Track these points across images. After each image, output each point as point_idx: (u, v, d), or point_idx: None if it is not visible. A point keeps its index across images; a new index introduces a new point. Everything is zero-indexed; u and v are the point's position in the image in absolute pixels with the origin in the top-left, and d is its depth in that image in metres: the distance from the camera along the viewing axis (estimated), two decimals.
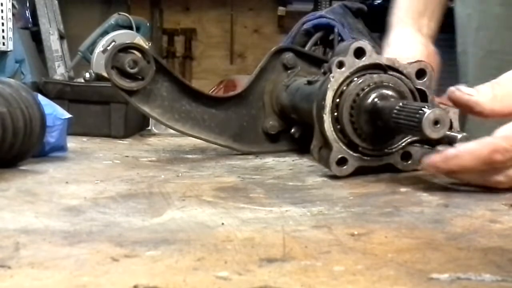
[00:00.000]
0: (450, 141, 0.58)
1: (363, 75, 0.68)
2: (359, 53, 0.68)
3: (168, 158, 0.89)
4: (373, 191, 0.61)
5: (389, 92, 0.67)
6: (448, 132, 0.57)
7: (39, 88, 1.29)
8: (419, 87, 0.69)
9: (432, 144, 0.62)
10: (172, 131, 0.91)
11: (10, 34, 1.96)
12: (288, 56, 0.94)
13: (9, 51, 1.98)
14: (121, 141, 1.14)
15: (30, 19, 2.37)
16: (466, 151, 0.55)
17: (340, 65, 0.68)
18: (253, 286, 0.33)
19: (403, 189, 0.61)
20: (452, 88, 0.59)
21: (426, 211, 0.51)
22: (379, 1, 3.45)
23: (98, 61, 1.55)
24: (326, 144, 0.69)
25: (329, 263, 0.37)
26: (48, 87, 1.25)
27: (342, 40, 1.14)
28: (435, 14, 0.96)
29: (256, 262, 0.37)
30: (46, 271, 0.35)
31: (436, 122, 0.57)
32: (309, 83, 0.82)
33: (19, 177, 0.68)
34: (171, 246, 0.40)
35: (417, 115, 0.58)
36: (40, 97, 0.80)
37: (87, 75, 1.31)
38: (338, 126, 0.68)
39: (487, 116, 0.56)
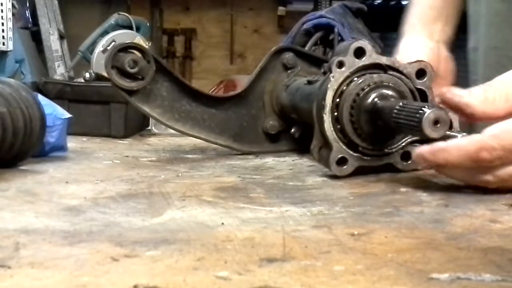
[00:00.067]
0: None
1: (363, 75, 0.68)
2: (359, 53, 0.68)
3: (168, 158, 0.89)
4: (373, 191, 0.61)
5: (389, 92, 0.67)
6: (448, 132, 0.57)
7: (39, 88, 1.29)
8: (419, 87, 0.69)
9: None
10: (172, 131, 0.91)
11: (10, 34, 1.96)
12: (288, 56, 0.94)
13: (9, 51, 1.98)
14: (121, 141, 1.14)
15: (30, 19, 2.37)
16: (454, 146, 0.55)
17: (340, 65, 0.68)
18: (253, 286, 0.33)
19: (403, 189, 0.61)
20: (443, 90, 0.59)
21: (426, 211, 0.51)
22: (379, 1, 3.46)
23: (98, 61, 1.55)
24: (326, 144, 0.69)
25: (329, 263, 0.37)
26: (48, 87, 1.25)
27: (342, 40, 1.14)
28: (451, 18, 0.95)
29: (256, 262, 0.37)
30: (46, 271, 0.35)
31: (436, 122, 0.57)
32: (309, 83, 0.82)
33: (19, 177, 0.68)
34: (171, 246, 0.40)
35: (417, 115, 0.58)
36: (40, 97, 0.80)
37: (87, 75, 1.31)
38: (338, 126, 0.68)
39: (479, 118, 0.56)
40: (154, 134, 1.27)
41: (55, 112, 0.85)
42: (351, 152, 0.68)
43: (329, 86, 0.68)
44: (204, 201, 0.56)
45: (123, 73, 0.82)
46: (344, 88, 0.68)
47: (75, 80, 1.42)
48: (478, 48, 0.95)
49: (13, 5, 2.01)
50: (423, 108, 0.58)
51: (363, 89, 0.67)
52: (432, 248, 0.40)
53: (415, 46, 0.87)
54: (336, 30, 1.16)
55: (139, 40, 1.60)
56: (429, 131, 0.57)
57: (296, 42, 1.19)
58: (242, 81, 1.56)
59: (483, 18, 0.93)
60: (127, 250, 0.39)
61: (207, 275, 0.34)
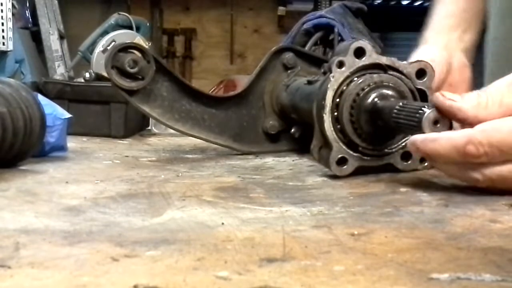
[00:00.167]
0: None
1: (363, 75, 0.68)
2: (359, 53, 0.68)
3: (168, 158, 0.89)
4: (373, 191, 0.61)
5: (389, 92, 0.67)
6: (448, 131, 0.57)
7: (39, 88, 1.29)
8: (419, 87, 0.69)
9: None
10: (172, 131, 0.91)
11: (10, 34, 1.96)
12: (288, 56, 0.94)
13: (9, 51, 1.98)
14: (121, 141, 1.14)
15: (30, 19, 2.37)
16: (445, 138, 0.55)
17: (340, 64, 0.68)
18: (253, 286, 0.33)
19: (403, 189, 0.61)
20: (436, 93, 0.59)
21: (426, 211, 0.51)
22: (379, 1, 3.46)
23: (98, 61, 1.55)
24: (326, 144, 0.69)
25: (329, 263, 0.37)
26: (48, 87, 1.25)
27: (342, 40, 1.14)
28: (473, 24, 0.93)
29: (256, 262, 0.37)
30: (46, 271, 0.35)
31: (436, 122, 0.57)
32: (309, 83, 0.82)
33: (19, 177, 0.68)
34: (171, 246, 0.40)
35: (417, 115, 0.58)
36: (40, 97, 0.80)
37: (87, 75, 1.31)
38: (338, 126, 0.68)
39: (471, 123, 0.55)
40: (154, 134, 1.27)
41: (55, 112, 0.85)
42: (351, 152, 0.68)
43: (329, 86, 0.68)
44: (204, 201, 0.56)
45: (123, 73, 0.82)
46: (344, 88, 0.68)
47: (75, 80, 1.42)
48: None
49: (13, 5, 2.01)
50: (423, 108, 0.58)
51: (363, 89, 0.67)
52: (432, 248, 0.40)
53: (424, 57, 0.85)
54: (336, 30, 1.16)
55: (139, 40, 1.60)
56: (429, 131, 0.57)
57: (296, 42, 1.19)
58: (242, 81, 1.56)
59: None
60: (127, 250, 0.39)
61: (207, 275, 0.34)
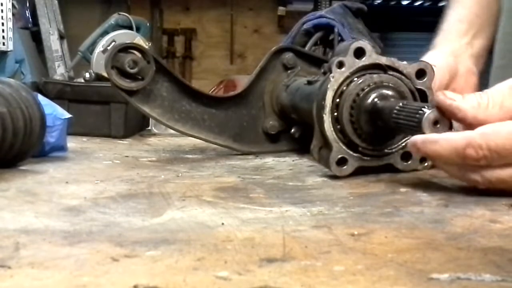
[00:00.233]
0: None
1: (363, 75, 0.68)
2: (359, 53, 0.68)
3: (168, 158, 0.89)
4: (373, 191, 0.61)
5: (389, 92, 0.67)
6: (448, 132, 0.57)
7: (39, 88, 1.29)
8: (419, 87, 0.69)
9: None
10: (172, 131, 0.91)
11: (10, 34, 1.96)
12: (288, 56, 0.94)
13: (9, 51, 1.98)
14: (121, 141, 1.14)
15: (30, 19, 2.37)
16: (445, 139, 0.55)
17: (340, 65, 0.68)
18: (253, 286, 0.33)
19: (403, 189, 0.61)
20: (438, 92, 0.59)
21: (426, 211, 0.51)
22: (379, 1, 3.46)
23: (98, 61, 1.55)
24: (326, 144, 0.69)
25: (329, 263, 0.37)
26: (48, 87, 1.25)
27: (342, 40, 1.14)
28: (485, 29, 0.92)
29: (256, 262, 0.37)
30: (46, 271, 0.35)
31: (436, 122, 0.57)
32: (309, 83, 0.82)
33: (19, 177, 0.68)
34: (171, 246, 0.40)
35: (417, 115, 0.58)
36: (40, 97, 0.80)
37: (87, 75, 1.31)
38: (338, 126, 0.68)
39: (470, 123, 0.56)
40: (154, 134, 1.27)
41: (55, 112, 0.85)
42: (351, 153, 0.68)
43: (329, 86, 0.68)
44: (204, 201, 0.56)
45: (123, 74, 0.82)
46: (344, 88, 0.68)
47: (75, 80, 1.42)
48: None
49: (13, 5, 2.01)
50: (423, 109, 0.58)
51: (363, 89, 0.67)
52: (432, 248, 0.40)
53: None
54: (336, 30, 1.16)
55: (139, 40, 1.60)
56: (429, 132, 0.57)
57: (296, 42, 1.19)
58: (242, 81, 1.56)
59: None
60: (127, 250, 0.39)
61: (207, 275, 0.34)
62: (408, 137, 0.68)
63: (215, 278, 0.34)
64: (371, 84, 0.67)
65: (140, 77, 0.83)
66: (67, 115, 0.86)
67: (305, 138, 0.84)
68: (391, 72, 0.68)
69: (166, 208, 0.52)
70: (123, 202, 0.55)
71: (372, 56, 0.68)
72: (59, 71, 2.10)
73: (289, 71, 0.93)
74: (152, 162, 0.85)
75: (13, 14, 2.00)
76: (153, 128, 1.30)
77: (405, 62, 0.69)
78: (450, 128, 0.58)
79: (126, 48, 0.83)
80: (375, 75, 0.68)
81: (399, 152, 0.69)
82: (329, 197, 0.58)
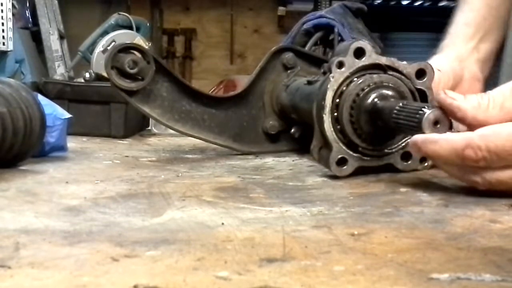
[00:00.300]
0: None
1: (363, 75, 0.68)
2: (359, 53, 0.68)
3: (168, 158, 0.89)
4: (373, 191, 0.61)
5: (389, 92, 0.67)
6: (449, 133, 0.57)
7: (39, 88, 1.29)
8: (419, 87, 0.69)
9: None
10: (172, 131, 0.91)
11: (10, 34, 1.96)
12: (288, 56, 0.94)
13: (9, 51, 1.98)
14: (121, 141, 1.14)
15: (30, 19, 2.37)
16: (445, 140, 0.55)
17: (340, 65, 0.68)
18: (253, 286, 0.33)
19: (403, 189, 0.61)
20: (439, 91, 0.59)
21: (426, 211, 0.51)
22: (379, 1, 3.46)
23: (98, 61, 1.55)
24: (326, 144, 0.69)
25: (329, 263, 0.37)
26: (48, 87, 1.25)
27: (342, 40, 1.14)
28: (493, 32, 0.91)
29: (256, 262, 0.37)
30: (46, 271, 0.35)
31: (436, 123, 0.57)
32: (309, 83, 0.82)
33: (19, 177, 0.68)
34: (171, 246, 0.40)
35: (417, 115, 0.58)
36: (40, 97, 0.80)
37: (87, 75, 1.31)
38: (338, 126, 0.68)
39: (470, 124, 0.56)
40: (154, 134, 1.27)
41: (55, 112, 0.85)
42: (351, 153, 0.68)
43: (329, 86, 0.68)
44: (204, 201, 0.56)
45: (123, 74, 0.82)
46: (344, 88, 0.68)
47: (75, 80, 1.42)
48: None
49: (13, 5, 2.01)
50: (423, 109, 0.58)
51: (363, 90, 0.67)
52: (432, 248, 0.40)
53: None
54: (336, 30, 1.16)
55: (139, 40, 1.60)
56: (429, 132, 0.57)
57: (296, 42, 1.19)
58: (242, 81, 1.56)
59: None
60: (127, 250, 0.39)
61: (207, 275, 0.34)
62: (408, 137, 0.68)
63: (215, 278, 0.34)
64: (371, 84, 0.67)
65: (140, 77, 0.83)
66: (67, 115, 0.86)
67: (305, 138, 0.84)
68: (391, 72, 0.68)
69: (166, 208, 0.52)
70: (123, 202, 0.55)
71: (372, 56, 0.68)
72: (59, 71, 2.10)
73: (289, 71, 0.93)
74: (152, 162, 0.85)
75: (13, 14, 2.00)
76: (153, 128, 1.30)
77: (405, 62, 0.69)
78: (450, 128, 0.58)
79: (126, 48, 0.83)
80: (375, 75, 0.68)
81: (399, 152, 0.69)
82: (329, 197, 0.58)
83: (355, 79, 0.68)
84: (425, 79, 0.69)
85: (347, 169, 0.68)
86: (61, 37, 2.35)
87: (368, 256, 0.38)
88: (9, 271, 0.35)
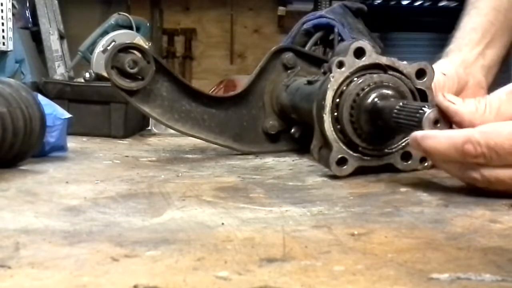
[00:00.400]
0: None
1: (363, 75, 0.68)
2: (359, 53, 0.68)
3: (168, 158, 0.89)
4: (373, 191, 0.61)
5: (389, 92, 0.67)
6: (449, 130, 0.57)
7: (39, 88, 1.29)
8: (419, 87, 0.69)
9: None
10: (172, 131, 0.91)
11: (10, 34, 1.96)
12: (288, 56, 0.94)
13: (9, 51, 1.98)
14: (121, 141, 1.14)
15: (30, 19, 2.37)
16: (444, 135, 0.55)
17: (340, 65, 0.68)
18: (253, 286, 0.33)
19: (403, 189, 0.61)
20: (438, 93, 0.59)
21: (426, 211, 0.51)
22: (379, 1, 3.46)
23: (98, 61, 1.55)
24: (326, 144, 0.69)
25: (329, 263, 0.37)
26: (48, 87, 1.25)
27: (342, 40, 1.14)
28: (500, 37, 0.90)
29: (256, 262, 0.37)
30: (46, 271, 0.35)
31: (436, 122, 0.57)
32: (309, 83, 0.82)
33: (19, 177, 0.68)
34: (171, 246, 0.40)
35: (417, 115, 0.58)
36: (40, 97, 0.80)
37: (87, 75, 1.31)
38: (338, 126, 0.68)
39: (466, 128, 0.56)
40: (154, 134, 1.27)
41: (55, 112, 0.85)
42: (351, 152, 0.68)
43: (329, 86, 0.68)
44: (204, 201, 0.56)
45: (123, 73, 0.82)
46: (344, 88, 0.68)
47: (75, 80, 1.42)
48: None
49: (13, 5, 2.01)
50: (423, 108, 0.58)
51: (363, 89, 0.67)
52: (432, 248, 0.40)
53: (437, 72, 0.82)
54: (336, 30, 1.15)
55: (139, 40, 1.60)
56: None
57: (296, 42, 1.19)
58: (242, 81, 1.56)
59: None
60: (127, 250, 0.39)
61: (207, 275, 0.34)
62: (408, 137, 0.68)
63: (215, 278, 0.34)
64: (371, 84, 0.67)
65: (140, 77, 0.83)
66: (67, 115, 0.86)
67: (305, 138, 0.84)
68: (391, 72, 0.68)
69: (166, 208, 0.52)
70: (123, 202, 0.55)
71: (372, 56, 0.68)
72: (59, 71, 2.09)
73: (289, 71, 0.93)
74: (152, 162, 0.85)
75: (13, 14, 1.99)
76: (153, 128, 1.30)
77: (405, 62, 0.69)
78: (450, 127, 0.58)
79: (126, 48, 0.83)
80: (375, 75, 0.68)
81: (399, 152, 0.69)
82: (329, 197, 0.58)
83: (355, 79, 0.68)
84: (425, 79, 0.69)
85: (347, 168, 0.68)
86: (61, 37, 2.34)
87: (368, 256, 0.38)
88: (9, 271, 0.35)
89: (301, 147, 0.90)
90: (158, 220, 0.48)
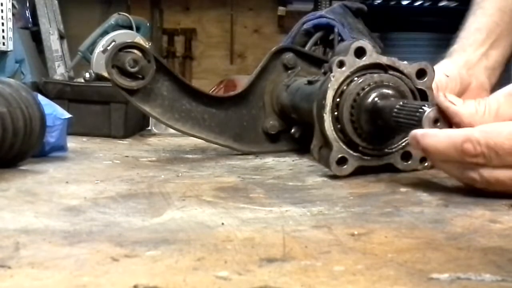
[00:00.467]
0: None
1: (364, 74, 0.68)
2: (360, 52, 0.68)
3: (168, 158, 0.89)
4: (373, 191, 0.61)
5: (390, 92, 0.67)
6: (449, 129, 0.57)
7: (39, 88, 1.29)
8: (419, 87, 0.69)
9: None
10: (172, 131, 0.91)
11: (10, 34, 1.96)
12: (288, 56, 0.94)
13: (9, 51, 1.98)
14: (121, 141, 1.14)
15: (30, 19, 2.37)
16: (444, 133, 0.55)
17: (341, 64, 0.68)
18: (253, 286, 0.33)
19: (403, 189, 0.61)
20: (439, 93, 0.59)
21: (426, 211, 0.51)
22: (379, 1, 3.46)
23: (98, 61, 1.55)
24: (326, 143, 0.69)
25: (329, 263, 0.37)
26: (48, 87, 1.25)
27: (342, 40, 1.14)
28: (505, 38, 0.90)
29: (256, 262, 0.37)
30: (46, 271, 0.35)
31: (436, 121, 0.57)
32: (310, 83, 0.82)
33: (19, 177, 0.68)
34: (171, 246, 0.40)
35: (417, 114, 0.58)
36: (40, 97, 0.80)
37: (87, 75, 1.31)
38: (339, 126, 0.68)
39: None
40: (154, 134, 1.27)
41: (55, 112, 0.85)
42: (351, 152, 0.68)
43: (329, 85, 0.68)
44: (204, 201, 0.56)
45: (124, 73, 0.82)
46: (345, 87, 0.68)
47: (75, 80, 1.42)
48: None
49: (13, 5, 2.01)
50: (423, 107, 0.58)
51: (363, 89, 0.67)
52: (432, 248, 0.40)
53: (440, 72, 0.78)
54: (336, 30, 1.15)
55: (139, 40, 1.60)
56: None
57: (296, 42, 1.19)
58: (242, 81, 1.56)
59: None
60: (127, 250, 0.39)
61: (207, 275, 0.34)
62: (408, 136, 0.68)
63: (215, 278, 0.34)
64: (371, 83, 0.67)
65: (140, 76, 0.83)
66: (67, 115, 0.86)
67: (305, 138, 0.84)
68: (391, 72, 0.68)
69: (166, 208, 0.52)
70: (123, 202, 0.55)
71: (372, 56, 0.68)
72: (59, 71, 2.09)
73: (289, 71, 0.93)
74: (152, 162, 0.85)
75: (13, 14, 1.99)
76: (153, 128, 1.30)
77: (405, 62, 0.69)
78: (450, 127, 0.58)
79: (126, 47, 0.83)
80: (375, 75, 0.68)
81: (399, 151, 0.69)
82: (329, 197, 0.58)
83: (356, 78, 0.68)
84: (425, 79, 0.69)
85: (347, 168, 0.68)
86: (61, 37, 2.34)
87: (368, 256, 0.38)
88: (9, 271, 0.35)
89: (301, 147, 0.90)
90: (158, 220, 0.48)
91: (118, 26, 1.71)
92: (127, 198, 0.57)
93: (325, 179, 0.68)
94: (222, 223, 0.47)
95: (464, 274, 0.34)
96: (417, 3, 3.51)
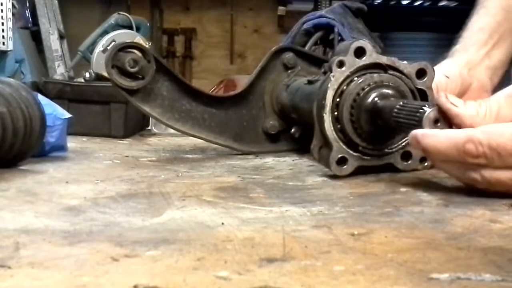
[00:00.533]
0: None
1: (364, 74, 0.68)
2: (360, 52, 0.68)
3: (168, 158, 0.89)
4: (373, 191, 0.61)
5: (390, 92, 0.67)
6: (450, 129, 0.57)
7: (39, 88, 1.29)
8: (419, 86, 0.69)
9: None
10: (172, 131, 0.91)
11: (10, 34, 1.96)
12: (288, 56, 0.94)
13: (9, 51, 1.98)
14: (121, 141, 1.14)
15: (30, 19, 2.37)
16: (445, 134, 0.55)
17: (341, 64, 0.68)
18: (253, 286, 0.33)
19: (403, 189, 0.61)
20: (441, 93, 0.59)
21: (426, 211, 0.51)
22: (379, 1, 3.46)
23: (98, 61, 1.55)
24: (326, 143, 0.69)
25: (329, 263, 0.37)
26: (48, 87, 1.25)
27: (342, 39, 1.14)
28: (507, 38, 0.89)
29: (256, 262, 0.37)
30: (46, 271, 0.35)
31: (436, 121, 0.57)
32: (310, 82, 0.82)
33: (19, 177, 0.68)
34: (171, 246, 0.40)
35: (418, 114, 0.58)
36: (40, 97, 0.80)
37: (87, 75, 1.31)
38: (338, 126, 0.68)
39: None
40: (154, 134, 1.27)
41: (55, 112, 0.85)
42: (351, 152, 0.68)
43: (329, 85, 0.68)
44: (204, 201, 0.56)
45: (124, 73, 0.82)
46: (345, 87, 0.68)
47: (75, 80, 1.42)
48: None
49: (13, 5, 2.01)
50: (423, 107, 0.58)
51: (363, 89, 0.67)
52: (432, 248, 0.40)
53: (440, 72, 0.78)
54: (336, 30, 1.15)
55: (139, 40, 1.60)
56: None
57: (296, 42, 1.19)
58: (242, 81, 1.56)
59: None
60: (127, 250, 0.39)
61: (207, 275, 0.34)
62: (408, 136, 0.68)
63: (215, 278, 0.34)
64: (371, 83, 0.67)
65: (140, 76, 0.83)
66: (67, 115, 0.86)
67: (305, 138, 0.84)
68: (391, 72, 0.68)
69: (166, 208, 0.52)
70: (123, 202, 0.55)
71: (372, 56, 0.68)
72: (59, 71, 2.09)
73: (289, 71, 0.93)
74: (152, 162, 0.85)
75: (13, 14, 1.99)
76: (153, 128, 1.30)
77: (405, 62, 0.69)
78: (450, 128, 0.58)
79: (126, 47, 0.83)
80: (375, 75, 0.68)
81: (399, 151, 0.69)
82: (329, 197, 0.58)
83: (356, 78, 0.68)
84: (425, 79, 0.69)
85: (347, 168, 0.68)
86: (61, 37, 2.34)
87: (368, 256, 0.38)
88: (9, 271, 0.35)
89: (301, 147, 0.90)
90: (158, 220, 0.48)
91: (118, 26, 1.71)
92: (127, 198, 0.57)
93: (325, 179, 0.68)
94: (222, 223, 0.47)
95: (464, 274, 0.34)
96: (417, 3, 3.51)
